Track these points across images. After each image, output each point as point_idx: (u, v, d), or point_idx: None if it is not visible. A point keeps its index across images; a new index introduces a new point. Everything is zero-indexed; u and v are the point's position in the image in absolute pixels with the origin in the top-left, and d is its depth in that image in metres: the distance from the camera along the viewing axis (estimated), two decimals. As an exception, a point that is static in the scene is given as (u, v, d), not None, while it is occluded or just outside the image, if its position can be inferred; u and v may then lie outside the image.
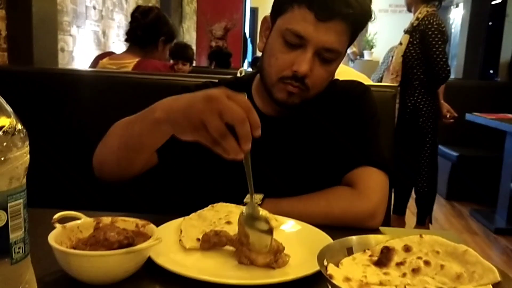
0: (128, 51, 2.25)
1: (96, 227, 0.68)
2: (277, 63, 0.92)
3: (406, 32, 2.95)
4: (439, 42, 2.82)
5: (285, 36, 0.90)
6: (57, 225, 0.66)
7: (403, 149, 2.98)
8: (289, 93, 0.93)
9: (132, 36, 2.23)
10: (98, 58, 2.28)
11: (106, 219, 0.70)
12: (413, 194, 3.23)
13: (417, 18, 2.89)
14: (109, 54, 2.35)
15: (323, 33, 0.88)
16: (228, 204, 0.85)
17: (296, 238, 0.77)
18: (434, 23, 2.84)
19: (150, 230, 0.68)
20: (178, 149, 0.87)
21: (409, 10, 3.04)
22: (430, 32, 2.83)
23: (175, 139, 0.73)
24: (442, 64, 2.81)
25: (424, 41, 2.84)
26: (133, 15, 2.27)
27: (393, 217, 3.10)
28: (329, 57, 0.91)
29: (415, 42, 2.90)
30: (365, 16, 0.93)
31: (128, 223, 0.70)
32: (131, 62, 2.12)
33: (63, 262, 0.62)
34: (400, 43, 2.96)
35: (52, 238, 0.62)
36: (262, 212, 0.81)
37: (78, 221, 0.69)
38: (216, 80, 1.11)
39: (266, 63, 0.95)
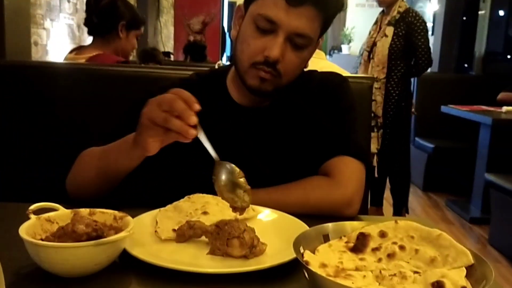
0: (91, 44, 2.13)
1: (73, 219, 0.66)
2: (249, 49, 0.92)
3: (389, 24, 3.02)
4: (424, 30, 2.97)
5: (257, 21, 0.90)
6: (32, 216, 0.64)
7: (388, 140, 3.05)
8: (261, 79, 0.92)
9: (89, 25, 2.09)
10: (68, 54, 2.21)
11: (84, 211, 0.69)
12: (388, 185, 3.29)
13: (398, 12, 3.00)
14: (78, 48, 2.25)
15: (294, 18, 0.88)
16: (204, 195, 0.84)
17: (273, 227, 0.77)
18: (419, 14, 3.00)
19: (127, 222, 0.67)
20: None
21: (383, 5, 3.10)
22: (417, 23, 2.96)
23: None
24: (427, 52, 2.96)
25: (411, 31, 2.96)
26: (87, 2, 2.13)
27: (371, 209, 3.15)
28: (301, 42, 0.91)
29: (400, 33, 2.98)
30: (337, 3, 0.94)
31: (106, 215, 0.69)
32: (85, 57, 2.00)
33: (33, 254, 0.60)
34: (386, 35, 3.02)
35: (23, 229, 0.61)
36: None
37: (54, 213, 0.67)
38: (188, 74, 1.10)
39: (239, 50, 0.95)
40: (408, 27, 2.97)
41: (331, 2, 0.92)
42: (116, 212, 0.69)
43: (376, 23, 3.18)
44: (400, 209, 3.21)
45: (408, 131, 3.20)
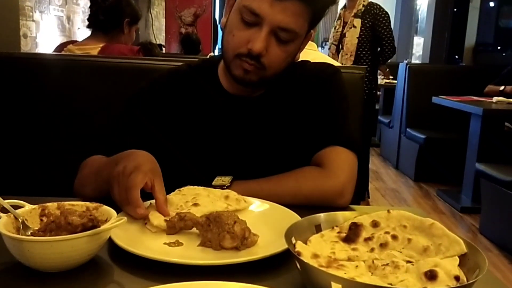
0: (91, 37, 2.13)
1: (41, 214, 0.65)
2: (234, 40, 0.91)
3: (356, 16, 3.32)
4: (388, 21, 3.35)
5: (242, 13, 0.89)
6: (2, 215, 0.62)
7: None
8: (245, 70, 0.92)
9: (94, 21, 2.10)
10: (62, 46, 2.16)
11: (52, 205, 0.67)
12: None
13: (363, 5, 3.34)
14: (73, 42, 2.22)
15: (278, 12, 0.87)
16: (195, 187, 0.83)
17: (265, 217, 0.77)
18: (382, 7, 3.37)
19: (104, 212, 0.65)
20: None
21: None
22: (382, 14, 3.32)
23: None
24: (392, 41, 3.34)
25: (377, 22, 3.31)
26: (93, 0, 2.13)
27: None
28: (285, 37, 0.90)
29: (367, 25, 3.30)
30: None
31: (77, 207, 0.66)
32: (95, 48, 2.01)
33: (19, 252, 0.58)
34: (354, 26, 3.31)
35: (3, 228, 0.59)
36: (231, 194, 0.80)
37: (22, 209, 0.65)
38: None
39: (225, 40, 0.94)
40: (374, 18, 3.31)
41: None
42: (88, 203, 0.67)
43: (339, 18, 3.48)
44: (363, 193, 3.30)
45: (375, 114, 3.58)
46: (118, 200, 0.74)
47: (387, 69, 4.69)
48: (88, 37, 2.16)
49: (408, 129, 4.23)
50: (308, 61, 1.09)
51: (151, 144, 0.96)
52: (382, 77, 4.80)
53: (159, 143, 0.97)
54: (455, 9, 5.83)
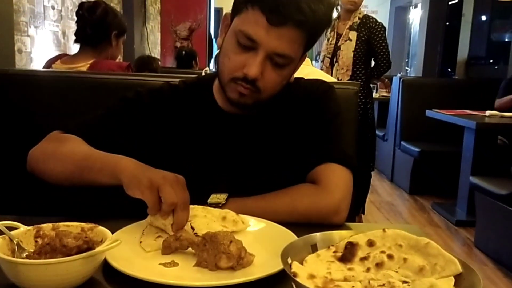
0: (80, 52, 2.12)
1: (36, 235, 0.65)
2: (229, 64, 0.92)
3: (351, 29, 3.20)
4: (384, 35, 3.23)
5: (238, 37, 0.89)
6: None
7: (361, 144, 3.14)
8: (240, 94, 0.92)
9: (82, 36, 2.10)
10: (50, 62, 2.15)
11: (47, 226, 0.66)
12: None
13: (359, 18, 3.22)
14: (61, 56, 2.21)
15: (274, 38, 0.87)
16: (193, 206, 0.81)
17: (261, 236, 0.76)
18: (377, 20, 3.25)
19: (99, 233, 0.65)
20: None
21: (353, 8, 3.24)
22: (378, 28, 3.20)
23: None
24: (388, 55, 3.22)
25: (372, 35, 3.19)
26: (78, 13, 2.13)
27: None
28: (281, 62, 0.90)
29: (363, 38, 3.18)
30: (320, 24, 0.93)
31: (72, 228, 0.66)
32: (84, 65, 2.01)
33: (14, 274, 0.58)
34: (350, 39, 3.18)
35: None
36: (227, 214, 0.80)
37: (16, 231, 0.64)
38: (177, 81, 1.09)
39: (221, 62, 0.95)
40: (369, 31, 3.18)
41: (315, 24, 0.90)
42: (83, 224, 0.67)
43: (332, 30, 3.32)
44: (358, 209, 3.25)
45: (374, 128, 3.38)
46: (172, 200, 0.71)
47: (386, 80, 4.61)
48: (77, 53, 2.15)
49: (402, 142, 4.26)
50: (302, 78, 1.10)
51: (142, 148, 0.95)
52: (384, 90, 4.76)
53: (149, 147, 0.97)
54: (447, 23, 5.91)
